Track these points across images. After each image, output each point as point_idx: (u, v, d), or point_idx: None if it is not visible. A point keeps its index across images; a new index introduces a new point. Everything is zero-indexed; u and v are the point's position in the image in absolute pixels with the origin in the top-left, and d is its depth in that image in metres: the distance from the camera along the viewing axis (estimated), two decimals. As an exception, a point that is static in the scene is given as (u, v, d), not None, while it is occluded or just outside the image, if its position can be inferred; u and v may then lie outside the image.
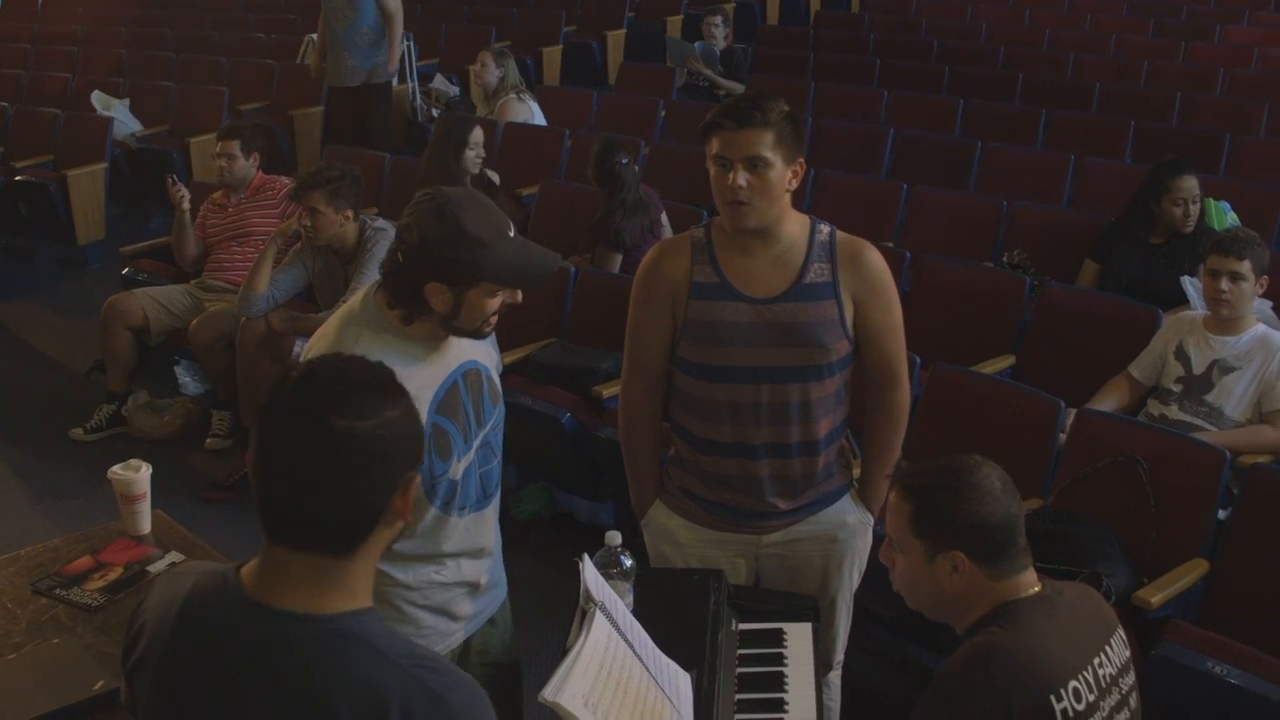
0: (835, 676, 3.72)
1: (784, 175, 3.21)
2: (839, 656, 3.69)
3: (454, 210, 2.83)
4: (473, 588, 3.19)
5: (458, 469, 3.02)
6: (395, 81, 9.61)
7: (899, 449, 3.51)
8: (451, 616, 3.16)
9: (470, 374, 3.07)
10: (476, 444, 3.08)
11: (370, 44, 9.15)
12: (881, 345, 3.39)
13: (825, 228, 3.36)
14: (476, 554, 3.17)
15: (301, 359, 2.87)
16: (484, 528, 3.18)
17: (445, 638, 3.16)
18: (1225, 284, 4.71)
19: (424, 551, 3.06)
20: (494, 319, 2.97)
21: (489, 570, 3.24)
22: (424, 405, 2.86)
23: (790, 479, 3.41)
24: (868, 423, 3.54)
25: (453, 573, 3.12)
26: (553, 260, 3.00)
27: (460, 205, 2.85)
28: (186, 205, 6.77)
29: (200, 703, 1.96)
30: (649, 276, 3.43)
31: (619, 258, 6.16)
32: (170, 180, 6.85)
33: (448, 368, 3.00)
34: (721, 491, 3.45)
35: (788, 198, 3.28)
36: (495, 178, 6.90)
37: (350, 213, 5.59)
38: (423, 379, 2.91)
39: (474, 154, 6.55)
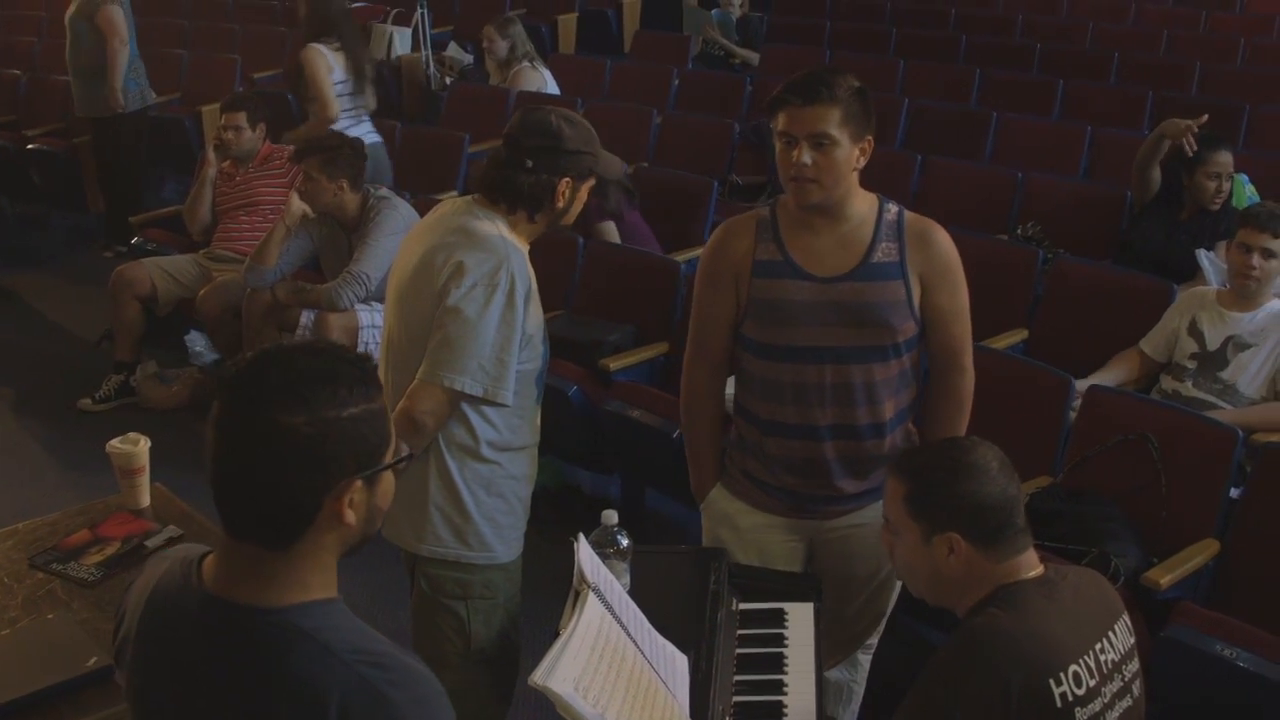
0: (866, 658, 3.70)
1: (851, 153, 3.15)
2: (873, 640, 3.66)
3: (574, 116, 3.29)
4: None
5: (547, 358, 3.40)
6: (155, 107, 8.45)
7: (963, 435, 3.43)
8: (527, 508, 3.43)
9: None
10: None
11: (91, 71, 8.21)
12: (947, 329, 3.33)
13: (893, 207, 3.30)
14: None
15: (462, 259, 3.11)
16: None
17: (522, 529, 3.42)
18: (1256, 259, 4.64)
19: (527, 441, 3.34)
20: None
21: None
22: (537, 298, 3.26)
23: (859, 461, 3.35)
24: (930, 409, 3.46)
25: (534, 463, 3.42)
26: (619, 162, 3.52)
27: (573, 113, 3.31)
28: (214, 172, 6.77)
29: (161, 692, 1.95)
30: (713, 256, 3.40)
31: (612, 225, 6.11)
32: (212, 146, 6.83)
33: (531, 269, 3.29)
34: (785, 475, 3.39)
35: (855, 175, 3.21)
36: None
37: (345, 183, 5.55)
38: (531, 276, 3.22)
39: None
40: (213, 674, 1.88)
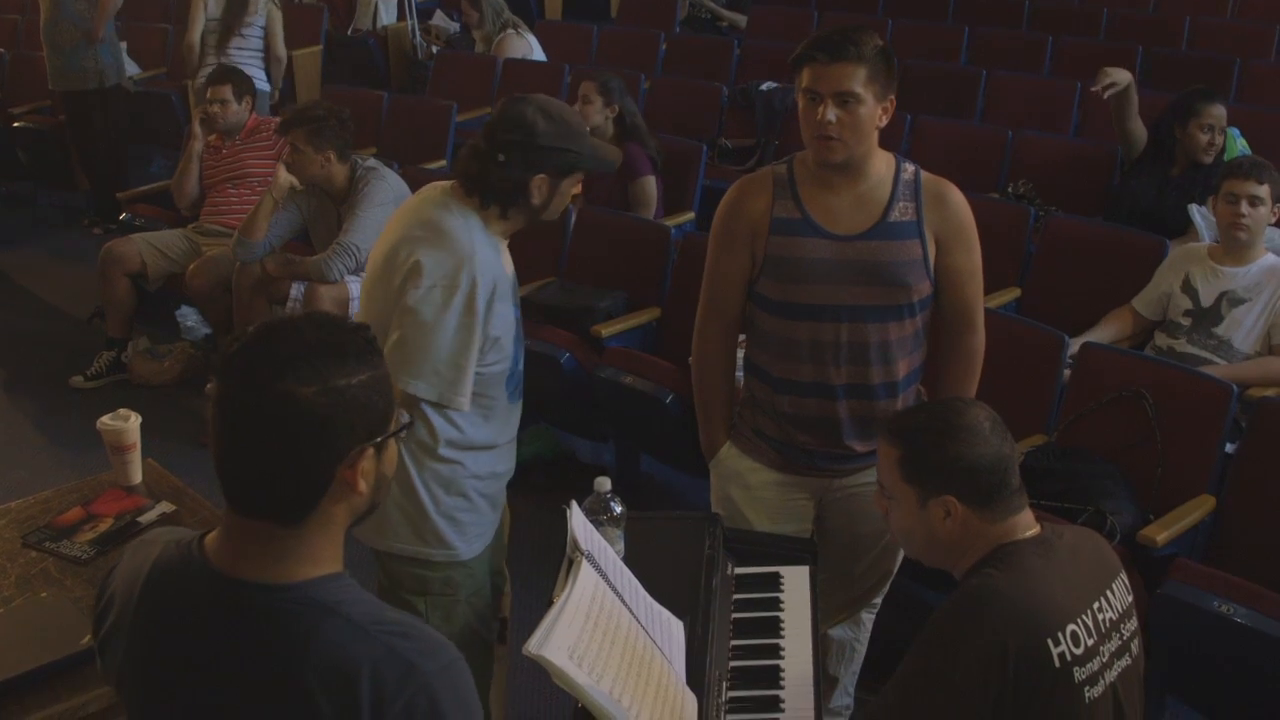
0: (869, 617, 3.71)
1: (874, 112, 3.14)
2: (878, 599, 3.68)
3: (556, 109, 3.17)
4: (509, 475, 3.41)
5: (520, 357, 3.29)
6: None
7: (973, 395, 3.42)
8: (495, 505, 3.37)
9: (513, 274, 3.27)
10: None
11: (73, 44, 8.17)
12: (961, 289, 3.34)
13: (910, 166, 3.30)
14: (514, 442, 3.39)
15: (423, 259, 3.06)
16: (519, 417, 3.40)
17: (492, 526, 3.37)
18: (1245, 207, 4.62)
19: (494, 440, 3.26)
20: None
21: None
22: (509, 297, 3.18)
23: (871, 420, 3.34)
24: (942, 369, 3.46)
25: (505, 461, 3.35)
26: (616, 153, 3.36)
27: (557, 105, 3.20)
28: (200, 145, 6.74)
29: (169, 678, 1.90)
30: (729, 213, 3.37)
31: (653, 180, 6.12)
32: (198, 119, 6.79)
33: (509, 264, 3.25)
34: (796, 433, 3.39)
35: (875, 135, 3.20)
36: None
37: (332, 154, 5.50)
38: (505, 272, 3.18)
39: None
40: (232, 656, 1.84)
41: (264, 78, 8.30)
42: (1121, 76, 5.74)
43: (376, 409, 1.86)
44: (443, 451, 3.17)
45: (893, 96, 3.19)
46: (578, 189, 3.26)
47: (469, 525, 3.28)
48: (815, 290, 3.25)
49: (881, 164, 3.27)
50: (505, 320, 3.16)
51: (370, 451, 1.86)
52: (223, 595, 1.86)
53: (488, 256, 3.11)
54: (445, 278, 3.03)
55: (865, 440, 3.37)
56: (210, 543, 1.91)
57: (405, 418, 1.96)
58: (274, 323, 1.87)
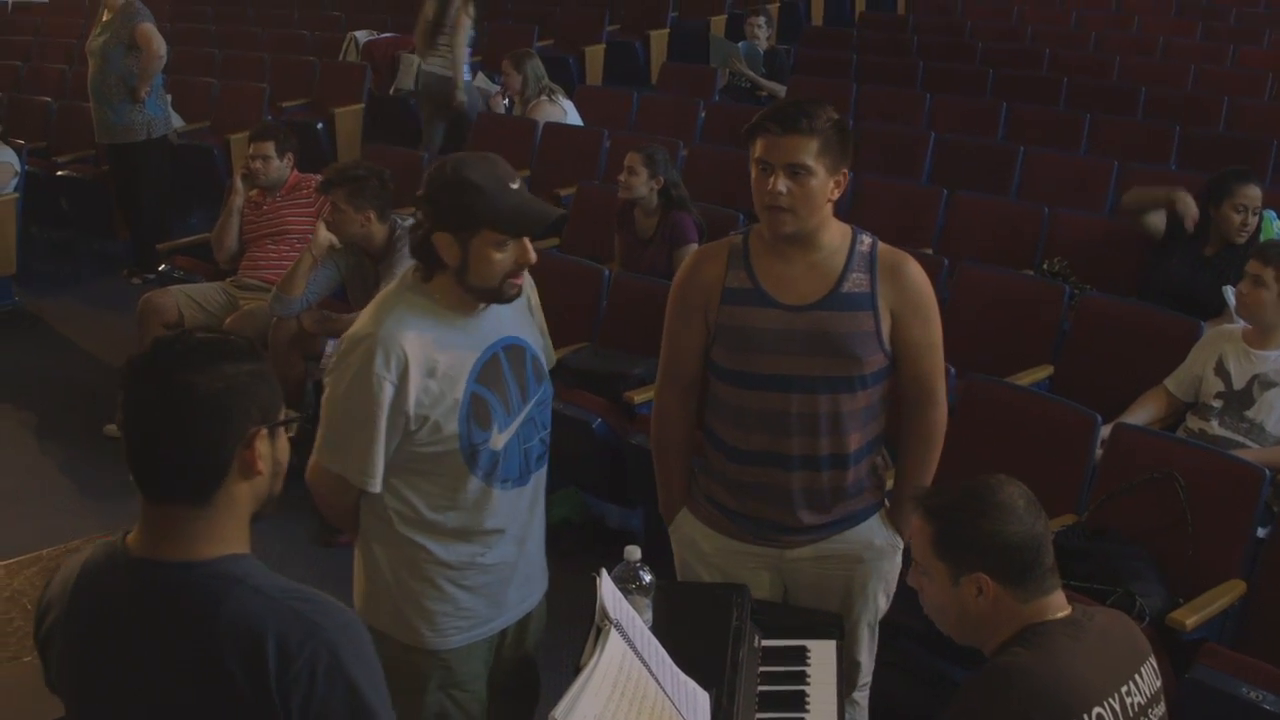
0: (862, 697, 3.67)
1: (826, 184, 3.17)
2: (865, 679, 3.64)
3: (459, 162, 2.98)
4: (513, 573, 3.22)
5: (499, 440, 3.07)
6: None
7: (933, 470, 3.43)
8: (492, 602, 3.19)
9: (513, 349, 3.13)
10: (520, 418, 3.13)
11: (119, 97, 8.38)
12: (918, 363, 3.33)
13: (867, 239, 3.31)
14: (519, 536, 3.20)
15: (348, 333, 3.04)
16: (525, 506, 3.21)
17: (484, 624, 3.19)
18: (1245, 287, 4.66)
19: (468, 526, 3.09)
20: (514, 279, 3.01)
21: (530, 557, 3.28)
22: (463, 373, 2.99)
23: (819, 492, 3.35)
24: (901, 442, 3.47)
25: (496, 554, 3.15)
26: (552, 211, 3.11)
27: (467, 159, 3.00)
28: (241, 200, 6.80)
29: (100, 666, 2.06)
30: (685, 281, 3.40)
31: (694, 249, 6.13)
32: (240, 174, 6.89)
33: (486, 339, 3.07)
34: (747, 501, 3.39)
35: (829, 207, 3.23)
36: None
37: (372, 214, 5.53)
38: (460, 348, 3.01)
39: None
40: (152, 632, 2.01)
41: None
42: (1191, 208, 5.78)
43: (264, 395, 2.07)
44: (400, 529, 3.06)
45: (846, 169, 3.21)
46: (526, 255, 2.98)
47: (440, 616, 3.11)
48: (765, 360, 3.26)
49: (836, 235, 3.28)
50: (440, 399, 2.97)
51: (264, 433, 2.06)
52: (140, 577, 2.03)
53: (412, 330, 2.95)
54: (350, 351, 2.95)
55: (815, 512, 3.37)
56: (131, 535, 2.09)
57: (295, 413, 2.15)
58: (166, 335, 2.11)
